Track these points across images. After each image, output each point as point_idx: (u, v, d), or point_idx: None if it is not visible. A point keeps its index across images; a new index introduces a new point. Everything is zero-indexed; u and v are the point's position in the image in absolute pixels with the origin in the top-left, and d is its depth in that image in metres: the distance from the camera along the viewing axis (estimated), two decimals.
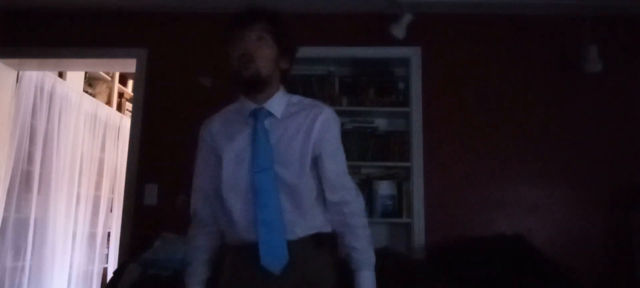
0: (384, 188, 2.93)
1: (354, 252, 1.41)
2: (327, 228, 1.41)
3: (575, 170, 2.90)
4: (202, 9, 3.15)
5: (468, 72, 3.05)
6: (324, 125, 1.38)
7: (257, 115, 1.38)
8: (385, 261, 2.32)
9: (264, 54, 1.36)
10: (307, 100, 1.45)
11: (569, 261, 2.50)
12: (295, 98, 1.45)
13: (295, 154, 1.35)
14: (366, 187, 2.96)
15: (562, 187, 2.89)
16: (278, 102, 1.40)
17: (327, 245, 1.41)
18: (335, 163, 1.41)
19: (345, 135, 3.01)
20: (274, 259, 1.28)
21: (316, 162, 1.38)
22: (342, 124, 3.01)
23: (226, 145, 1.40)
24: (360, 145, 2.99)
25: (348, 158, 3.17)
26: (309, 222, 1.36)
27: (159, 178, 2.96)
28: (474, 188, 2.90)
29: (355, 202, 1.43)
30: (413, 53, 3.04)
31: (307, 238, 1.35)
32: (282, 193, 1.32)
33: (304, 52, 3.33)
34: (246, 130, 1.38)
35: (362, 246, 1.41)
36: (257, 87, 1.36)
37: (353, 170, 3.00)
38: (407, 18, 2.89)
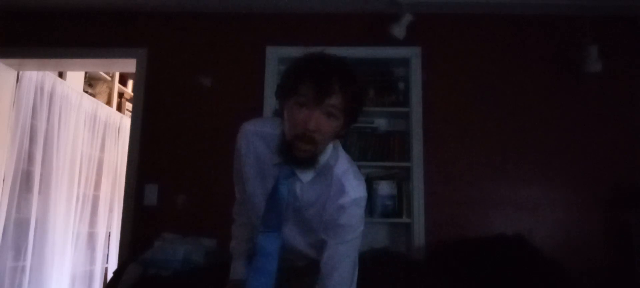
0: (384, 188, 2.93)
1: None
2: None
3: (575, 170, 2.90)
4: (202, 9, 3.15)
5: (468, 72, 3.05)
6: (338, 211, 1.26)
7: (283, 170, 1.28)
8: (385, 261, 2.33)
9: (326, 132, 1.19)
10: (339, 168, 1.29)
11: (569, 261, 2.50)
12: (333, 159, 1.30)
13: (307, 221, 1.30)
14: (366, 187, 2.95)
15: (562, 187, 2.89)
16: (310, 170, 1.28)
17: None
18: (332, 259, 1.27)
19: (345, 135, 3.01)
20: None
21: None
22: None
23: (250, 171, 1.35)
24: (360, 145, 2.99)
25: None
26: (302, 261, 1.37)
27: (159, 178, 2.96)
28: (474, 188, 2.90)
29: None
30: (413, 53, 3.04)
31: (310, 265, 1.36)
32: (286, 247, 1.32)
33: (304, 52, 3.33)
34: (270, 172, 1.30)
35: None
36: (307, 166, 1.25)
37: None
38: (407, 18, 2.89)
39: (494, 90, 3.01)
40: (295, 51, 3.19)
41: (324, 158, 1.28)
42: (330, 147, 1.30)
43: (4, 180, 3.16)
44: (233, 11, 3.16)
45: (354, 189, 1.27)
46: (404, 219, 2.90)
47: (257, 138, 1.34)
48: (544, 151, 2.93)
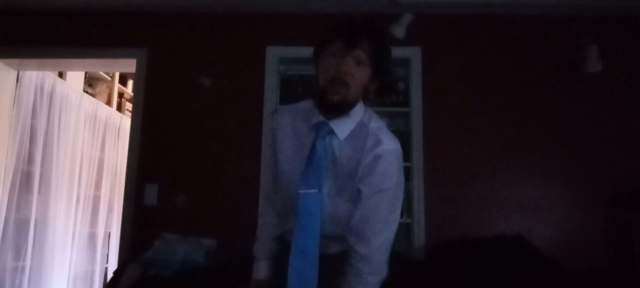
0: None
1: None
2: (382, 279, 1.34)
3: (575, 170, 2.90)
4: (202, 9, 3.15)
5: (468, 72, 3.05)
6: (374, 160, 1.27)
7: (320, 130, 1.32)
8: None
9: (357, 79, 1.27)
10: (374, 124, 1.33)
11: (569, 261, 2.50)
12: (365, 117, 1.34)
13: (344, 179, 1.30)
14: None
15: (562, 187, 2.89)
16: (346, 124, 1.31)
17: None
18: (366, 208, 1.27)
19: None
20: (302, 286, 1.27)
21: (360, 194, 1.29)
22: None
23: (287, 148, 1.37)
24: None
25: None
26: (345, 242, 1.31)
27: (159, 178, 2.96)
28: (474, 188, 2.90)
29: (371, 260, 1.26)
30: (413, 53, 3.04)
31: (340, 254, 1.33)
32: (325, 213, 1.30)
33: (304, 52, 3.32)
34: (308, 140, 1.33)
35: None
36: (340, 112, 1.29)
37: None
38: (407, 18, 2.89)
39: (494, 90, 3.01)
40: (295, 51, 3.22)
41: (357, 114, 1.32)
42: (362, 107, 1.35)
43: (3, 180, 3.16)
44: (233, 11, 3.15)
45: (390, 141, 1.31)
46: (404, 219, 2.90)
47: (291, 114, 1.41)
48: (544, 151, 2.93)
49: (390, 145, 1.29)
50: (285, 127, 1.40)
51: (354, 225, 1.28)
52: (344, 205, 1.31)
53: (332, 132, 1.31)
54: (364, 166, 1.27)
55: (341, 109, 1.28)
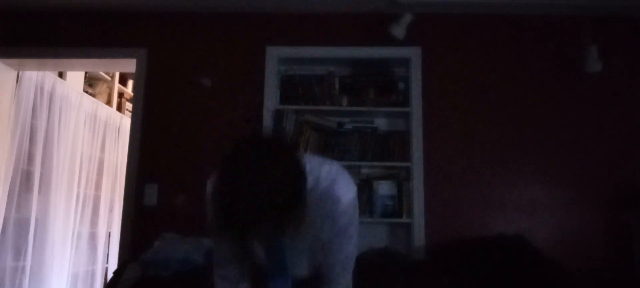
0: (384, 188, 2.93)
1: None
2: None
3: (575, 170, 2.90)
4: (202, 9, 3.15)
5: (468, 72, 3.05)
6: (337, 218, 1.23)
7: None
8: (386, 261, 2.33)
9: (274, 248, 1.26)
10: (324, 183, 1.20)
11: (569, 261, 2.50)
12: (310, 179, 1.14)
13: (308, 254, 1.30)
14: (366, 187, 2.96)
15: (562, 187, 2.89)
16: None
17: None
18: (331, 256, 1.28)
19: (345, 135, 3.01)
20: None
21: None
22: (342, 124, 3.05)
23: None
24: (360, 145, 2.99)
25: (348, 158, 3.17)
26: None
27: (159, 178, 2.97)
28: (474, 188, 2.90)
29: None
30: (413, 53, 3.04)
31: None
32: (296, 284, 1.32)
33: (304, 52, 3.33)
34: None
35: None
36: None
37: (353, 170, 3.00)
38: (407, 18, 2.89)
39: (494, 90, 3.01)
40: (295, 51, 3.22)
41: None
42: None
43: (3, 180, 3.16)
44: (233, 11, 3.16)
45: (344, 192, 1.23)
46: (404, 219, 2.90)
47: None
48: (544, 151, 2.93)
49: (343, 196, 1.22)
50: None
51: (323, 270, 1.30)
52: (309, 263, 1.32)
53: None
54: (324, 220, 1.22)
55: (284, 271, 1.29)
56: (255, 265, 1.35)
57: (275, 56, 3.07)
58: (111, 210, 4.55)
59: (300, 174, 1.03)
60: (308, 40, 3.10)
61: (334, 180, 1.22)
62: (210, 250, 2.47)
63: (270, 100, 3.00)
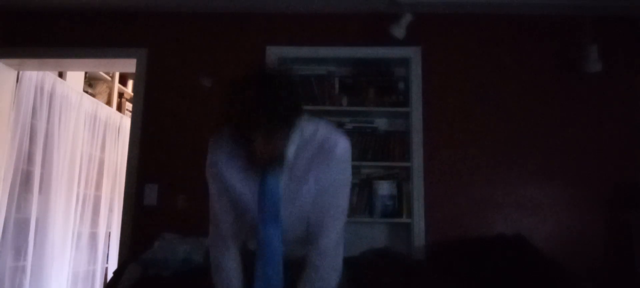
0: (384, 188, 2.93)
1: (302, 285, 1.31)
2: (338, 276, 1.36)
3: (575, 170, 2.90)
4: (202, 9, 3.15)
5: (468, 72, 3.05)
6: (331, 161, 1.30)
7: None
8: (386, 261, 2.33)
9: (276, 146, 1.23)
10: (321, 133, 1.32)
11: (569, 261, 2.50)
12: (308, 130, 1.31)
13: (303, 203, 1.31)
14: (366, 187, 2.96)
15: (562, 187, 2.89)
16: (290, 143, 1.29)
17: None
18: (320, 204, 1.31)
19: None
20: None
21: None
22: (342, 124, 3.05)
23: (235, 181, 1.35)
24: (360, 145, 2.99)
25: None
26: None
27: (159, 178, 2.96)
28: (474, 188, 2.90)
29: (329, 256, 1.32)
30: (413, 53, 3.04)
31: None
32: (290, 240, 1.33)
33: (304, 52, 3.33)
34: (255, 172, 1.31)
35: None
36: (277, 165, 1.29)
37: (353, 170, 2.99)
38: (407, 18, 2.89)
39: (494, 90, 3.01)
40: (295, 51, 3.22)
41: (296, 136, 1.29)
42: (297, 127, 1.29)
43: (3, 180, 3.16)
44: (233, 11, 3.16)
45: (338, 138, 1.33)
46: (404, 219, 2.90)
47: (225, 147, 1.38)
48: (544, 151, 2.93)
49: (339, 142, 1.31)
50: (227, 152, 1.37)
51: (312, 220, 1.32)
52: (304, 225, 1.33)
53: None
54: (319, 166, 1.29)
55: (276, 163, 1.27)
56: (248, 215, 1.35)
57: (275, 56, 3.07)
58: (111, 210, 4.55)
59: (298, 91, 1.25)
60: (308, 40, 3.10)
61: (331, 131, 1.34)
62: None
63: None
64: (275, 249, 1.30)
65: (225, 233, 1.41)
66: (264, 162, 1.24)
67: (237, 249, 1.42)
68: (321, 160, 1.29)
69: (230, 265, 1.40)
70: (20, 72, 3.32)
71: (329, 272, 1.32)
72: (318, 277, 1.30)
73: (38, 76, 3.44)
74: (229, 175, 1.36)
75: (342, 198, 1.35)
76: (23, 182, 3.32)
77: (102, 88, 4.45)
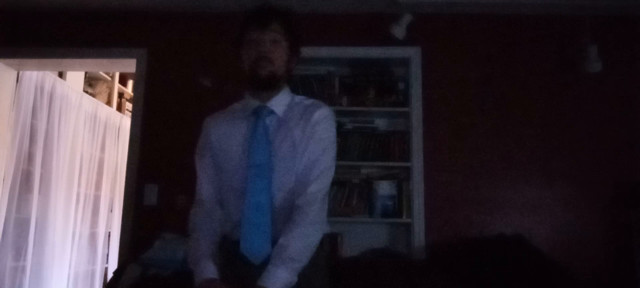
0: (384, 188, 2.93)
1: (282, 250, 1.26)
2: (323, 229, 1.36)
3: (575, 170, 2.90)
4: (202, 9, 3.15)
5: (468, 72, 3.05)
6: (316, 119, 1.40)
7: (260, 112, 1.42)
8: (386, 261, 2.33)
9: (279, 56, 1.40)
10: (309, 100, 1.49)
11: (569, 261, 2.50)
12: (298, 98, 1.49)
13: (292, 153, 1.37)
14: (366, 187, 2.96)
15: (562, 187, 2.89)
16: (281, 101, 1.44)
17: (321, 247, 1.37)
18: (308, 157, 1.37)
19: (345, 135, 3.01)
20: (256, 242, 1.30)
21: None
22: (342, 124, 3.05)
23: (227, 141, 1.43)
24: (360, 145, 2.99)
25: (348, 158, 3.16)
26: None
27: (159, 178, 2.97)
28: (474, 188, 2.90)
29: (315, 212, 1.32)
30: (413, 53, 3.04)
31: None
32: (277, 190, 1.34)
33: (304, 52, 3.32)
34: (248, 126, 1.42)
35: (297, 249, 1.27)
36: (272, 86, 1.41)
37: (353, 170, 3.00)
38: (407, 18, 2.89)
39: (494, 90, 3.01)
40: None
41: (287, 92, 1.47)
42: (288, 90, 1.49)
43: (3, 180, 3.16)
44: (233, 11, 3.15)
45: (324, 108, 1.46)
46: (404, 219, 2.90)
47: (224, 116, 1.53)
48: (544, 151, 2.93)
49: (325, 111, 1.44)
50: (221, 129, 1.48)
51: (298, 179, 1.36)
52: (292, 178, 1.36)
53: (271, 112, 1.42)
54: (306, 131, 1.38)
55: (272, 83, 1.40)
56: (236, 176, 1.38)
57: None
58: (111, 210, 4.55)
59: (299, 21, 1.50)
60: (308, 40, 3.08)
61: (314, 101, 1.49)
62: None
63: None
64: (263, 197, 1.32)
65: (207, 200, 1.44)
66: (264, 73, 1.37)
67: (217, 218, 1.42)
68: (307, 120, 1.40)
69: (206, 227, 1.39)
70: (20, 72, 3.32)
71: (309, 228, 1.31)
72: (299, 232, 1.29)
73: (38, 76, 3.45)
74: (218, 139, 1.46)
75: (328, 155, 1.40)
76: (23, 182, 3.32)
77: (102, 88, 4.45)
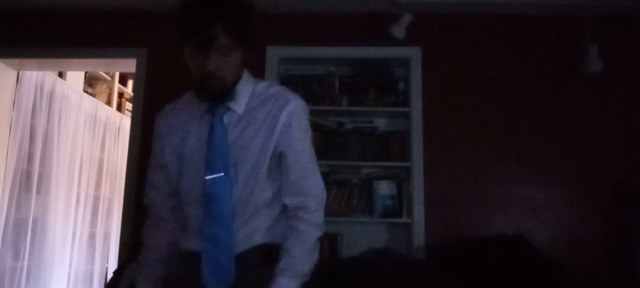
0: (384, 188, 2.93)
1: (286, 255, 1.19)
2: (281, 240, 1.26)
3: (575, 170, 2.90)
4: None
5: (468, 72, 3.05)
6: (289, 118, 1.25)
7: (215, 111, 1.25)
8: (385, 261, 2.33)
9: (230, 70, 1.22)
10: (274, 89, 1.32)
11: (569, 261, 2.50)
12: (260, 86, 1.31)
13: (253, 154, 1.22)
14: (366, 187, 2.96)
15: (562, 187, 2.89)
16: (240, 95, 1.27)
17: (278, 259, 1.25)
18: (299, 164, 1.25)
19: (345, 135, 3.01)
20: (218, 278, 1.18)
21: (280, 161, 1.26)
22: (342, 124, 3.05)
23: (182, 142, 1.29)
24: (360, 145, 2.99)
25: (348, 158, 3.16)
26: (259, 230, 1.24)
27: None
28: (474, 188, 2.90)
29: (315, 211, 1.25)
30: (413, 53, 3.04)
31: (253, 250, 1.22)
32: (240, 201, 1.21)
33: (304, 52, 3.32)
34: (203, 126, 1.26)
35: (299, 254, 1.20)
36: (226, 96, 1.24)
37: (353, 170, 3.00)
38: (407, 18, 2.89)
39: (494, 90, 3.01)
40: (295, 51, 3.21)
41: (247, 86, 1.29)
42: (249, 78, 1.32)
43: (3, 180, 3.16)
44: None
45: (294, 97, 1.30)
46: (404, 219, 2.90)
47: (178, 109, 1.38)
48: (544, 151, 2.93)
49: (296, 100, 1.29)
50: (174, 126, 1.34)
51: (292, 188, 1.25)
52: (260, 184, 1.23)
53: (229, 109, 1.26)
54: (279, 129, 1.24)
55: (225, 94, 1.23)
56: (193, 180, 1.26)
57: (275, 56, 3.06)
58: (111, 210, 4.55)
59: (252, 12, 1.24)
60: (308, 40, 3.10)
61: (283, 89, 1.33)
62: None
63: None
64: (224, 204, 1.19)
65: (159, 207, 1.37)
66: (215, 90, 1.20)
67: (169, 229, 1.35)
68: (275, 116, 1.24)
69: (154, 242, 1.34)
70: (20, 72, 3.32)
71: (312, 231, 1.24)
72: (302, 239, 1.23)
73: (38, 76, 3.44)
74: (170, 141, 1.33)
75: (312, 160, 1.30)
76: (23, 182, 3.32)
77: (102, 88, 4.45)
